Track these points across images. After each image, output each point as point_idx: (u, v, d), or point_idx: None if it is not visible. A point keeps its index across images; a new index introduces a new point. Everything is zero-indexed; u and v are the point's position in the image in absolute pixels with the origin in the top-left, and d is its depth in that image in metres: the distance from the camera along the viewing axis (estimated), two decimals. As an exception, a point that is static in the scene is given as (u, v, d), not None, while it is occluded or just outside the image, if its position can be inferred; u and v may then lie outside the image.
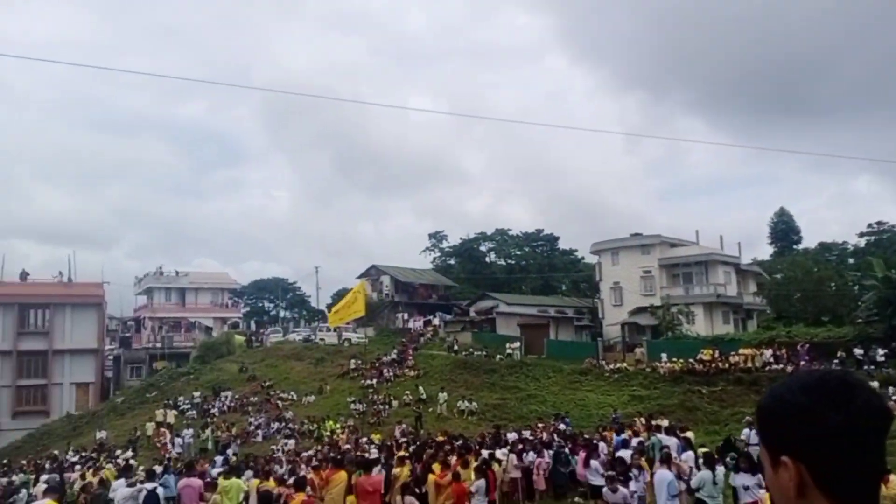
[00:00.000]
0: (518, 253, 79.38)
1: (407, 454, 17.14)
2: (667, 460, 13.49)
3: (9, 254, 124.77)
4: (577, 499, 17.28)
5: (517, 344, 46.00)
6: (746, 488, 11.74)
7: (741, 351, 36.94)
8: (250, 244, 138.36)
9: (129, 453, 27.89)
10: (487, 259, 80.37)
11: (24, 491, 19.59)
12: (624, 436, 21.14)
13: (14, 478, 24.53)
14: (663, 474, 12.52)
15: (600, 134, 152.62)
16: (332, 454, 21.91)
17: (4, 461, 33.42)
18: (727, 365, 36.08)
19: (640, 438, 20.26)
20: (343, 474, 12.35)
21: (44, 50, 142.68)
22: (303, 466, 19.95)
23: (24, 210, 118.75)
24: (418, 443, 23.40)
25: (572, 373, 40.95)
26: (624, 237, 55.94)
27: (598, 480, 14.77)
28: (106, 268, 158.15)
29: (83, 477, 21.38)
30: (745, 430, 19.76)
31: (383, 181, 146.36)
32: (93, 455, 29.90)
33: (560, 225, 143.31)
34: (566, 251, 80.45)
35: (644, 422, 25.31)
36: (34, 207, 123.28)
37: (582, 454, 17.54)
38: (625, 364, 41.03)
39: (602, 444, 19.18)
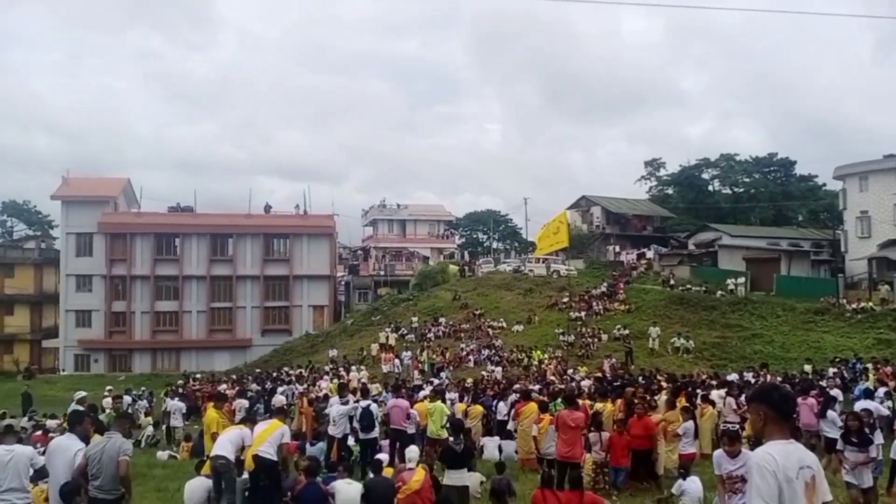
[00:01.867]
0: (746, 180, 72.77)
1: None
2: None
3: (255, 189, 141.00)
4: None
5: (741, 279, 42.66)
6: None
7: None
8: (464, 177, 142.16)
9: (354, 371, 30.23)
10: (710, 187, 74.79)
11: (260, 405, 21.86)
12: (866, 384, 18.63)
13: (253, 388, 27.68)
14: None
15: (843, 43, 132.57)
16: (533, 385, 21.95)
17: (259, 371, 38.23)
18: None
19: (888, 388, 17.70)
20: (533, 406, 12.15)
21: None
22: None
23: (268, 149, 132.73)
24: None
25: (806, 312, 37.28)
26: (875, 159, 48.87)
27: (834, 433, 13.05)
28: (336, 201, 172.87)
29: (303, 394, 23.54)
30: None
31: (594, 108, 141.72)
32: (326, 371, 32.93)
33: (797, 148, 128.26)
34: (804, 177, 72.19)
35: (875, 368, 22.21)
36: (276, 147, 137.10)
37: (809, 401, 15.68)
38: (870, 303, 36.56)
39: (837, 392, 16.90)
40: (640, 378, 23.60)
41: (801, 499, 3.45)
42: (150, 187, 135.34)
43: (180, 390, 27.93)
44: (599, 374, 25.89)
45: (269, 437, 9.36)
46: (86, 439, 7.96)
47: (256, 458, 9.26)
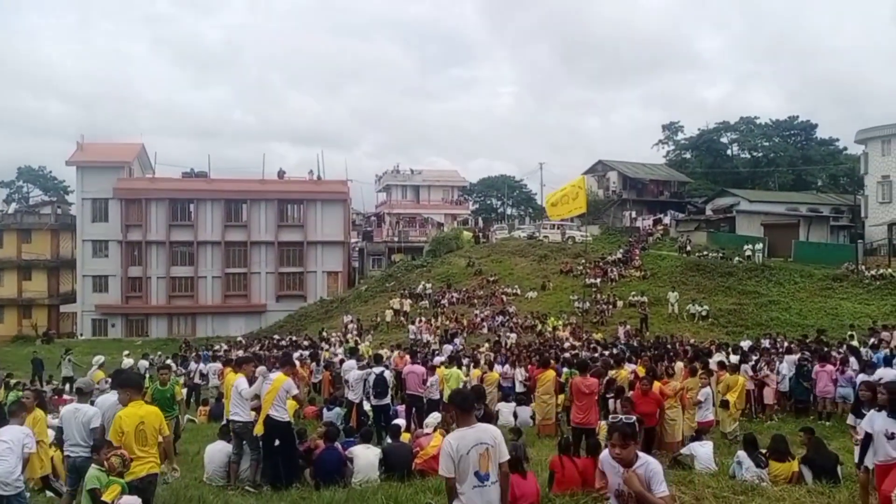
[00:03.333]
0: (766, 144, 71.66)
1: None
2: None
3: (268, 154, 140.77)
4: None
5: (759, 245, 42.25)
6: (891, 436, 6.35)
7: None
8: (478, 142, 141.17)
9: (368, 337, 30.41)
10: (729, 152, 73.77)
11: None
12: (885, 351, 18.41)
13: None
14: None
15: (865, 1, 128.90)
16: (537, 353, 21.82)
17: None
18: None
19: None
20: (551, 373, 12.11)
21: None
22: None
23: (280, 114, 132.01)
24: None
25: (824, 278, 36.90)
26: (898, 122, 47.68)
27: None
28: (349, 166, 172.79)
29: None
30: None
31: (609, 70, 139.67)
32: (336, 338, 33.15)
33: (818, 111, 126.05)
34: (824, 141, 71.00)
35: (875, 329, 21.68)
36: (288, 112, 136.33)
37: (828, 368, 15.60)
38: (890, 270, 36.13)
39: (853, 360, 16.59)
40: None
41: (474, 467, 4.86)
42: (163, 153, 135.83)
43: (219, 354, 28.12)
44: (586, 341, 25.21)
45: (275, 398, 9.20)
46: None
47: (268, 420, 9.17)
